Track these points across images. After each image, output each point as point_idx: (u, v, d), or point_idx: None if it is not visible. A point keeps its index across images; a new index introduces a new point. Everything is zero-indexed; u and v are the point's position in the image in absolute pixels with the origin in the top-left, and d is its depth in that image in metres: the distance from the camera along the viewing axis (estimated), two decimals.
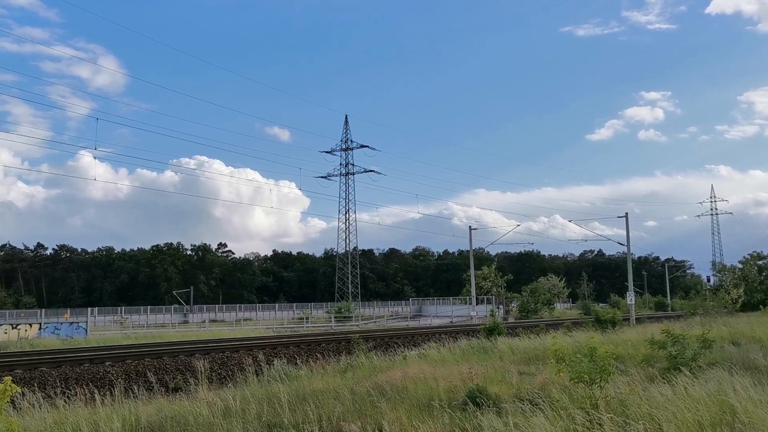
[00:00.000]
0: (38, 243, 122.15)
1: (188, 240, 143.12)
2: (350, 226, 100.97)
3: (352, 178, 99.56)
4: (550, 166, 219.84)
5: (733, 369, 11.49)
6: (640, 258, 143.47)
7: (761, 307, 53.37)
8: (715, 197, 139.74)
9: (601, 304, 76.32)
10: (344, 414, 9.38)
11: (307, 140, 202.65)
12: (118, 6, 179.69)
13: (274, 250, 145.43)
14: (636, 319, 44.05)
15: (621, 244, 50.72)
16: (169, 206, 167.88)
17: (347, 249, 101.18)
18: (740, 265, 64.51)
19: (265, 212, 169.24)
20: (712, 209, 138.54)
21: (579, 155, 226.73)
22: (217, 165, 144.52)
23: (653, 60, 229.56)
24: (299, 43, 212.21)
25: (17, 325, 43.60)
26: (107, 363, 20.70)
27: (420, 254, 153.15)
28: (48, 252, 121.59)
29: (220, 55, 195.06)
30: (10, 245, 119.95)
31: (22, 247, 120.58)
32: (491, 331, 26.74)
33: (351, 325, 60.54)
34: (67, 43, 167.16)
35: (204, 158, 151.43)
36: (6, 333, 40.24)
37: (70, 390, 15.12)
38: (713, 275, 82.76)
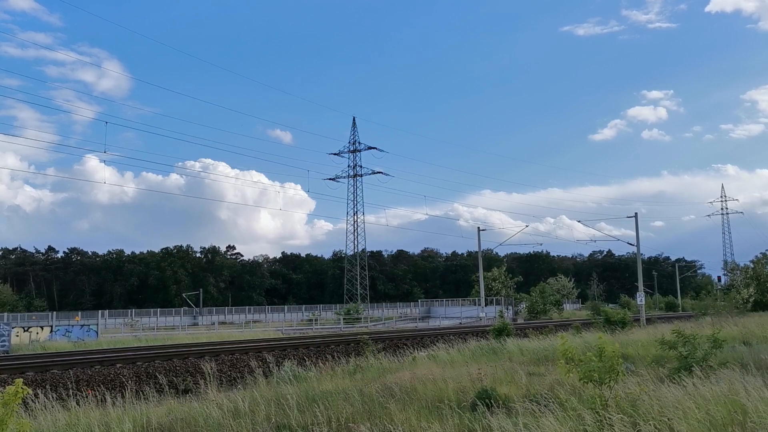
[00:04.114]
0: (49, 246, 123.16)
1: (194, 242, 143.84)
2: (358, 228, 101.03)
3: (359, 179, 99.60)
4: (554, 166, 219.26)
5: (744, 369, 11.42)
6: (650, 258, 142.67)
7: None
8: (725, 196, 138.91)
9: (611, 305, 75.97)
10: (353, 415, 9.39)
11: (312, 142, 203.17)
12: (121, 9, 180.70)
13: (282, 252, 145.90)
14: (646, 319, 43.83)
15: (630, 244, 50.56)
16: (174, 209, 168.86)
17: (356, 251, 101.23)
18: (752, 265, 63.97)
19: (271, 214, 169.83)
20: (722, 209, 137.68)
21: (583, 156, 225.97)
22: (222, 167, 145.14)
23: (654, 59, 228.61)
24: (304, 45, 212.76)
25: (29, 327, 43.91)
26: (118, 365, 20.82)
27: (428, 255, 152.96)
28: (59, 255, 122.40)
29: (224, 56, 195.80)
30: (21, 249, 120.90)
31: (33, 251, 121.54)
32: (500, 332, 26.68)
33: (360, 327, 60.56)
34: (71, 48, 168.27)
35: (209, 161, 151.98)
36: (18, 336, 40.52)
37: (82, 392, 15.22)
38: (724, 275, 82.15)
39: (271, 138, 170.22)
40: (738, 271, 67.08)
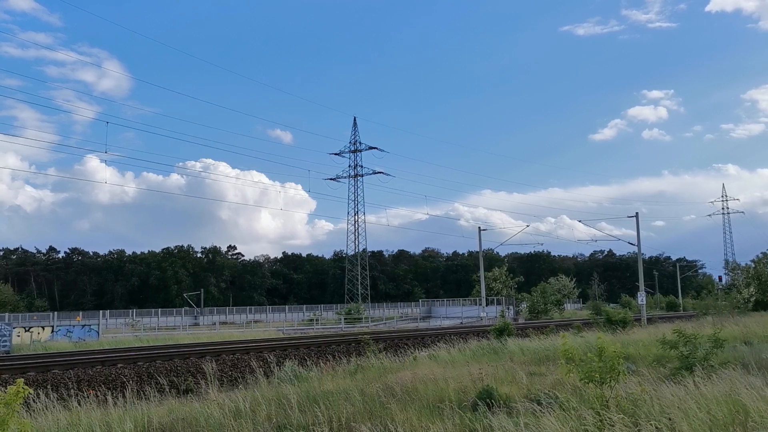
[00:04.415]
0: (50, 246, 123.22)
1: (195, 242, 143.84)
2: (359, 228, 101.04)
3: (360, 179, 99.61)
4: (555, 166, 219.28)
5: (745, 369, 11.42)
6: (651, 258, 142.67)
7: None
8: (726, 196, 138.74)
9: (611, 305, 75.92)
10: (354, 415, 9.39)
11: (313, 142, 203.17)
12: (121, 10, 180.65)
13: (283, 252, 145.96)
14: (647, 319, 43.84)
15: (631, 244, 50.55)
16: (175, 209, 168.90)
17: (356, 250, 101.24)
18: (753, 264, 63.93)
19: (271, 214, 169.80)
20: (723, 208, 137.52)
21: (583, 155, 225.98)
22: (223, 167, 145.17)
23: (654, 59, 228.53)
24: (303, 45, 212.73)
25: (30, 328, 43.96)
26: (119, 365, 20.83)
27: (429, 255, 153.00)
28: (60, 255, 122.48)
29: (224, 56, 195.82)
30: (22, 249, 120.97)
31: (35, 251, 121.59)
32: (501, 331, 26.68)
33: (361, 327, 60.56)
34: (71, 48, 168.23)
35: (210, 161, 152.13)
36: (19, 336, 40.54)
37: (83, 392, 15.23)
38: (725, 274, 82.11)
39: (271, 138, 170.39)
40: (739, 271, 67.05)
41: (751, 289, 57.80)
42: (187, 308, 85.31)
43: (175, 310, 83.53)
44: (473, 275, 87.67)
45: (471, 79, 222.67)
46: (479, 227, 59.69)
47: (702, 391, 9.04)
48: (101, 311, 70.86)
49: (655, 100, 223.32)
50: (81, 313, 70.48)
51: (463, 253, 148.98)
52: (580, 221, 61.15)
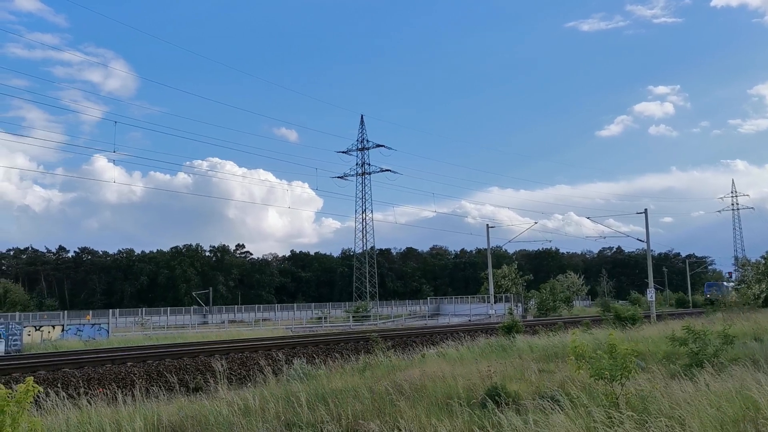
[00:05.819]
0: (60, 246, 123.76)
1: (203, 241, 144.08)
2: (366, 226, 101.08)
3: (368, 177, 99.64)
4: (561, 163, 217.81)
5: (755, 365, 11.34)
6: (660, 254, 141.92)
7: None
8: (735, 192, 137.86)
9: (621, 302, 75.63)
10: (363, 412, 9.39)
11: (319, 140, 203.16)
12: (126, 9, 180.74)
13: (291, 251, 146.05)
14: (657, 315, 43.69)
15: (640, 240, 50.33)
16: (182, 208, 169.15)
17: (364, 248, 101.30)
18: (763, 260, 63.55)
19: (278, 213, 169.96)
20: (733, 204, 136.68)
21: (590, 152, 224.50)
22: (230, 166, 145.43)
23: (660, 54, 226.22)
24: (306, 43, 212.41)
25: (40, 326, 44.28)
26: (129, 363, 20.93)
27: (437, 253, 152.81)
28: (70, 255, 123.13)
29: (228, 55, 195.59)
30: (32, 248, 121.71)
31: (45, 250, 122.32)
32: (510, 329, 26.64)
33: (369, 325, 60.66)
34: (77, 48, 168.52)
35: (216, 160, 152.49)
36: (29, 335, 40.84)
37: (93, 390, 15.31)
38: (735, 270, 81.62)
39: (278, 136, 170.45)
40: (749, 267, 66.67)
41: (762, 285, 57.47)
42: (196, 307, 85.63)
43: (183, 308, 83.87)
44: (481, 273, 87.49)
45: (475, 77, 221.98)
46: (487, 224, 59.59)
47: (712, 387, 8.99)
48: (111, 310, 71.25)
49: (662, 96, 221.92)
50: (91, 312, 70.89)
51: (471, 251, 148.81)
52: (588, 218, 61.14)
